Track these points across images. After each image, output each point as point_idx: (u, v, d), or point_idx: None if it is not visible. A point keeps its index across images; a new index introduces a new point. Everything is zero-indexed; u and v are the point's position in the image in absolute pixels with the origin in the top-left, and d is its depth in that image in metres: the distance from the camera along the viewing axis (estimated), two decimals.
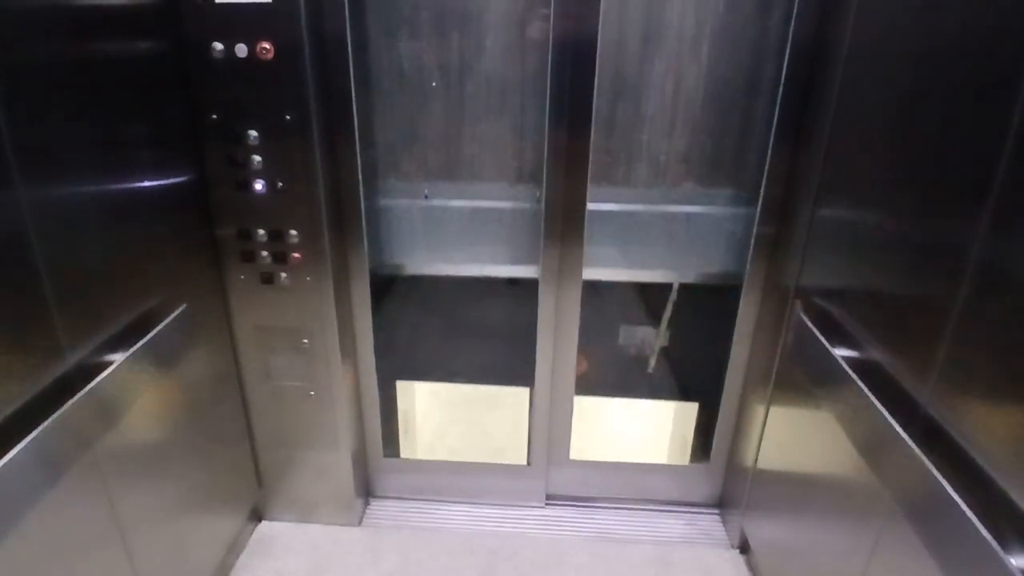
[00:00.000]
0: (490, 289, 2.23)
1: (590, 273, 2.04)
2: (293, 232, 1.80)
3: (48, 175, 1.19)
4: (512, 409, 2.31)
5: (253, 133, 1.68)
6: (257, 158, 1.71)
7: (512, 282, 2.18)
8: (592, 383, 2.33)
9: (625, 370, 2.40)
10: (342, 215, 1.93)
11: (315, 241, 1.81)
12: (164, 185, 1.59)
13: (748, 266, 1.98)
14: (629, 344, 2.37)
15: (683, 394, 2.39)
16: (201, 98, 1.65)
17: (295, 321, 1.93)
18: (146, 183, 1.51)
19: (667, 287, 2.20)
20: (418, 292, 2.31)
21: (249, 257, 1.84)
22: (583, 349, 2.16)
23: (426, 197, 2.00)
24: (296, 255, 1.83)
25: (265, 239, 1.81)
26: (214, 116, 1.67)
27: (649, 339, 2.33)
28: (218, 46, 1.59)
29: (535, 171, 1.95)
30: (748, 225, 1.97)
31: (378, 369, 2.19)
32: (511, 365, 2.25)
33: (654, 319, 2.30)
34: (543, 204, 1.92)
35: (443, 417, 2.44)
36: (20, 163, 1.10)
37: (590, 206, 1.92)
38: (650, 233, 2.03)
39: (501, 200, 2.01)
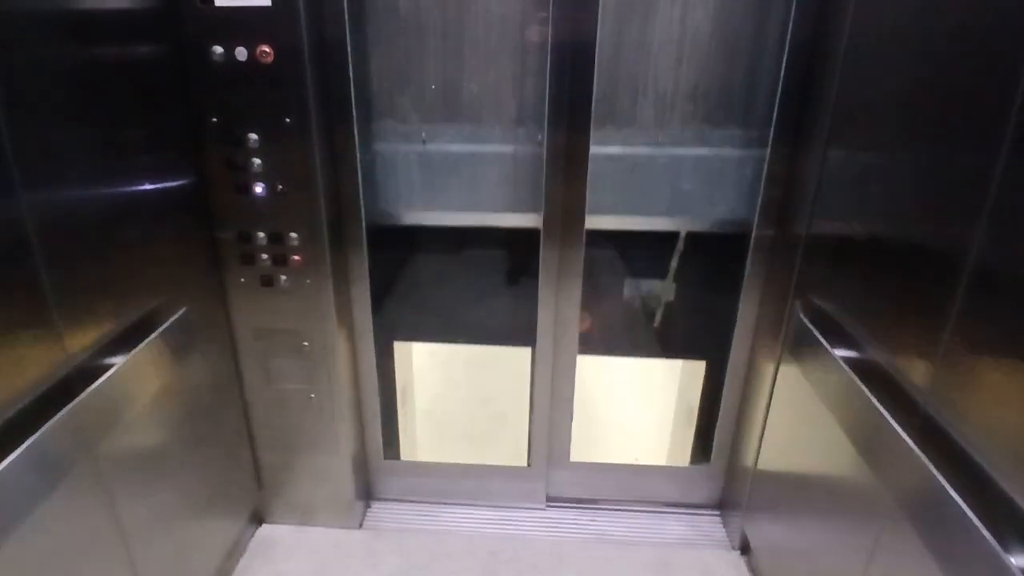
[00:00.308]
0: (491, 243, 2.15)
1: (594, 222, 1.97)
2: (293, 235, 1.80)
3: (49, 178, 1.19)
4: (514, 366, 2.29)
5: (253, 136, 1.69)
6: (257, 161, 1.71)
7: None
8: (596, 341, 2.25)
9: (630, 326, 2.29)
10: (342, 217, 1.93)
11: (315, 244, 1.82)
12: (164, 188, 1.59)
13: (758, 210, 1.91)
14: (634, 298, 2.25)
15: (690, 351, 2.31)
16: (201, 101, 1.66)
17: (295, 323, 1.93)
18: (147, 186, 1.52)
19: (673, 237, 2.09)
20: (416, 246, 2.18)
21: (249, 260, 1.84)
22: (586, 305, 2.11)
23: (423, 142, 1.93)
24: (296, 258, 1.83)
25: (265, 242, 1.82)
26: (214, 119, 1.67)
27: (655, 292, 2.21)
28: (218, 49, 1.59)
29: (536, 114, 1.89)
30: (758, 167, 1.89)
31: (375, 329, 2.15)
32: (512, 325, 2.19)
33: (660, 272, 2.18)
34: (544, 147, 1.86)
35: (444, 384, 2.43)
36: (21, 166, 1.10)
37: (593, 149, 1.85)
38: (656, 178, 1.96)
39: (502, 144, 1.94)
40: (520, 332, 2.17)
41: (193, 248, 1.75)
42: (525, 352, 2.20)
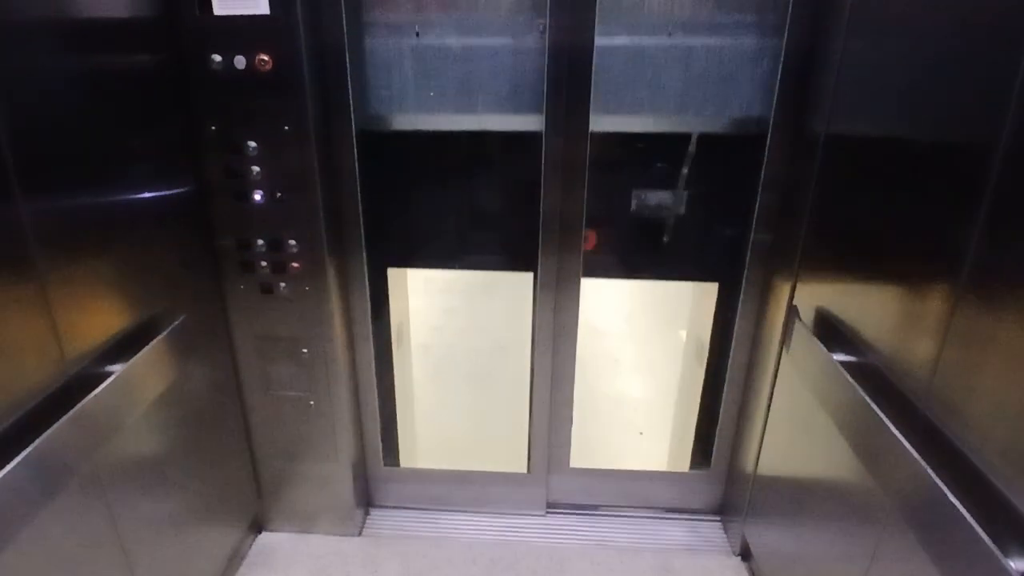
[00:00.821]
0: (491, 154, 1.97)
1: (600, 124, 1.84)
2: (292, 242, 1.81)
3: (48, 186, 1.20)
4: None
5: (252, 144, 1.69)
6: (256, 168, 1.72)
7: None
8: (602, 261, 2.09)
9: (638, 244, 2.09)
10: (341, 224, 1.94)
11: (314, 250, 1.82)
12: (163, 196, 1.60)
13: (774, 107, 1.79)
14: (643, 210, 2.04)
15: (702, 272, 2.13)
16: (200, 109, 1.66)
17: (294, 330, 1.93)
18: (146, 194, 1.52)
19: (685, 141, 1.91)
20: (409, 157, 1.98)
21: (248, 267, 1.85)
22: (592, 222, 1.98)
23: (417, 35, 1.80)
24: (295, 264, 1.83)
25: (264, 249, 1.82)
26: (213, 127, 1.68)
27: (665, 204, 2.02)
28: (216, 58, 1.60)
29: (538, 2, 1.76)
30: (775, 58, 1.76)
31: (367, 253, 2.04)
32: (512, 249, 2.06)
33: (671, 182, 1.99)
34: (546, 38, 1.75)
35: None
36: (20, 175, 1.11)
37: (599, 40, 1.74)
38: (666, 72, 1.81)
39: (500, 36, 1.80)
40: (521, 256, 2.04)
41: (192, 255, 1.75)
42: (525, 353, 2.20)
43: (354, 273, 2.02)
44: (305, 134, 1.69)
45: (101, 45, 1.35)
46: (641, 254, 2.10)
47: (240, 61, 1.61)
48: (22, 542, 1.13)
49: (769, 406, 1.92)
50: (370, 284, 2.06)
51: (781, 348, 1.82)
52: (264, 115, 1.67)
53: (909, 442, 1.15)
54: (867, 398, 1.29)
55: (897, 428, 1.19)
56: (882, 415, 1.23)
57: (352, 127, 1.83)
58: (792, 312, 1.73)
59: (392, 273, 2.15)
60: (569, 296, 2.07)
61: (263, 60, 1.60)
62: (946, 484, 1.04)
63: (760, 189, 1.89)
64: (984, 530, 0.94)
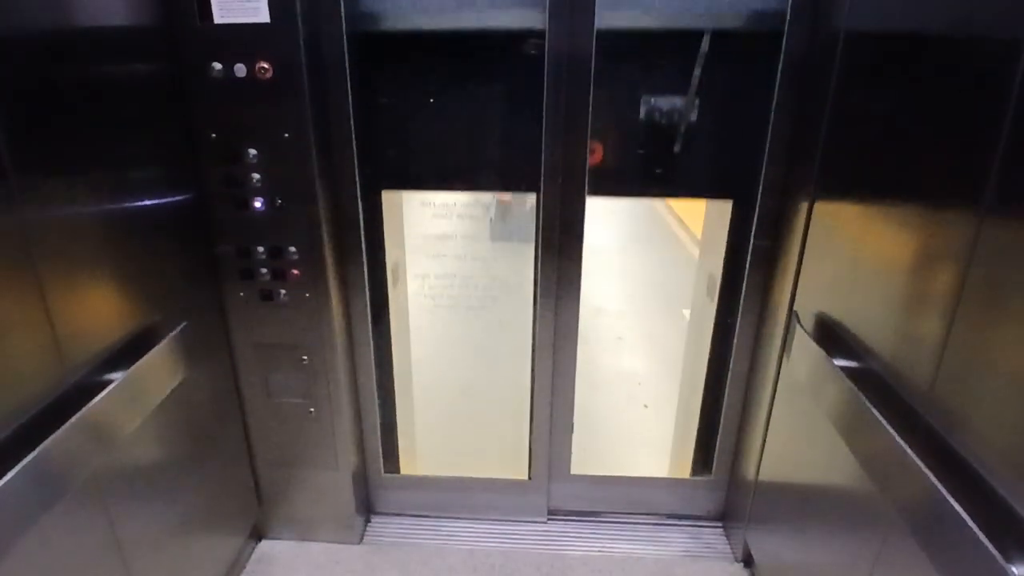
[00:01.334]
0: (490, 59, 1.85)
1: (605, 19, 1.72)
2: (292, 249, 1.81)
3: (49, 194, 1.20)
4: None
5: (252, 151, 1.70)
6: (256, 176, 1.72)
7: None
8: (609, 176, 1.95)
9: (648, 156, 1.95)
10: (341, 231, 1.94)
11: (314, 258, 1.82)
12: (164, 204, 1.60)
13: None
14: (653, 119, 1.91)
15: (715, 187, 2.00)
16: (201, 117, 1.67)
17: (295, 338, 1.93)
18: (146, 202, 1.52)
19: (697, 40, 1.78)
20: (403, 64, 1.87)
21: (248, 274, 1.85)
22: (597, 133, 1.85)
23: None
24: (295, 272, 1.83)
25: (264, 256, 1.82)
26: (213, 135, 1.68)
27: (676, 110, 1.89)
28: (217, 66, 1.61)
29: None
30: None
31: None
32: (515, 166, 1.94)
33: (682, 86, 1.85)
34: None
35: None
36: (21, 182, 1.11)
37: None
38: None
39: None
40: (524, 174, 1.93)
41: (192, 263, 1.76)
42: (524, 353, 2.19)
43: (354, 280, 2.02)
44: (306, 141, 1.69)
45: (101, 53, 1.36)
46: (651, 167, 1.97)
47: (240, 69, 1.61)
48: (22, 549, 1.13)
49: (770, 412, 1.92)
50: (370, 290, 2.06)
51: (781, 354, 1.82)
52: (264, 123, 1.68)
53: (911, 447, 1.15)
54: (868, 404, 1.29)
55: (899, 434, 1.19)
56: (884, 421, 1.23)
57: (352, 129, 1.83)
58: (792, 317, 1.73)
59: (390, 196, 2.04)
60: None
61: (263, 68, 1.61)
62: (948, 490, 1.03)
63: (776, 98, 1.77)
64: (987, 535, 0.94)
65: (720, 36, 1.77)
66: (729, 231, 2.02)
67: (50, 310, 1.19)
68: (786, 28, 1.70)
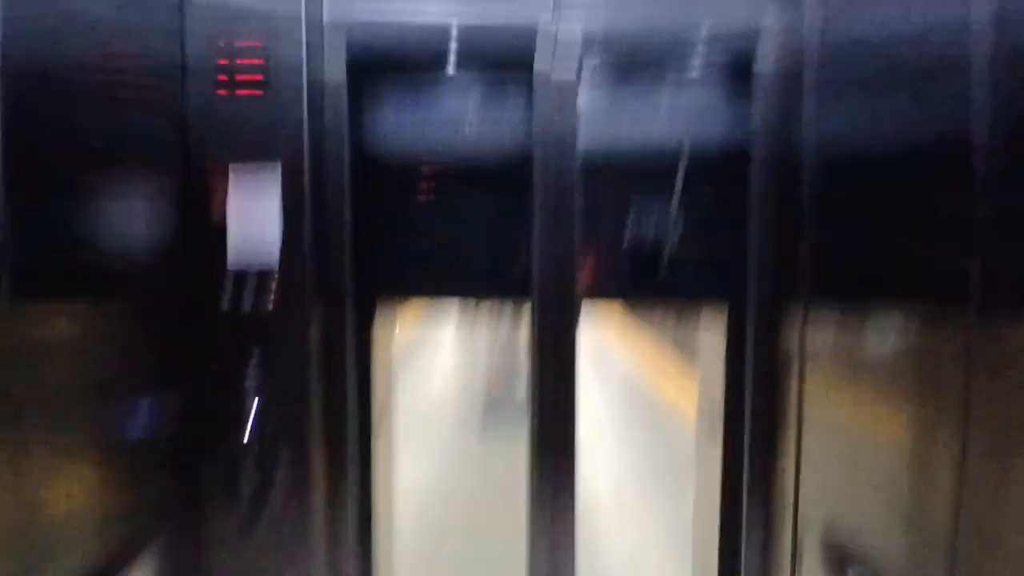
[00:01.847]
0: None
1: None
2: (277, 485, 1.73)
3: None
4: None
5: (248, 387, 1.72)
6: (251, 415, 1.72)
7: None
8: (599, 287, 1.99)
9: (636, 271, 2.00)
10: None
11: (301, 496, 1.74)
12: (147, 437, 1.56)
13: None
14: (639, 237, 1.99)
15: (708, 292, 2.01)
16: (197, 358, 1.71)
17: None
18: (128, 432, 1.49)
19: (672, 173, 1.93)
20: None
21: (232, 503, 1.71)
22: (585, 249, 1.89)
23: None
24: (282, 507, 1.72)
25: (251, 488, 1.71)
26: (212, 367, 1.72)
27: (661, 226, 1.97)
28: (223, 306, 1.70)
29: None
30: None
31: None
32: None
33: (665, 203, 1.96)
34: None
35: None
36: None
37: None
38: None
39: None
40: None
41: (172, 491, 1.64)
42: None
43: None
44: (305, 392, 1.75)
45: (115, 298, 1.43)
46: (639, 279, 2.03)
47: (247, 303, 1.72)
48: None
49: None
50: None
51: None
52: (263, 363, 1.72)
53: None
54: None
55: None
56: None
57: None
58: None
59: None
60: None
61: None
62: None
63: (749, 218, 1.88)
64: None
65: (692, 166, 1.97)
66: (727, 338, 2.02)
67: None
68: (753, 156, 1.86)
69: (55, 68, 1.21)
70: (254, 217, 1.71)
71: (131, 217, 1.49)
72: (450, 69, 1.96)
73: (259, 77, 1.66)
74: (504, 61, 1.89)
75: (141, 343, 1.54)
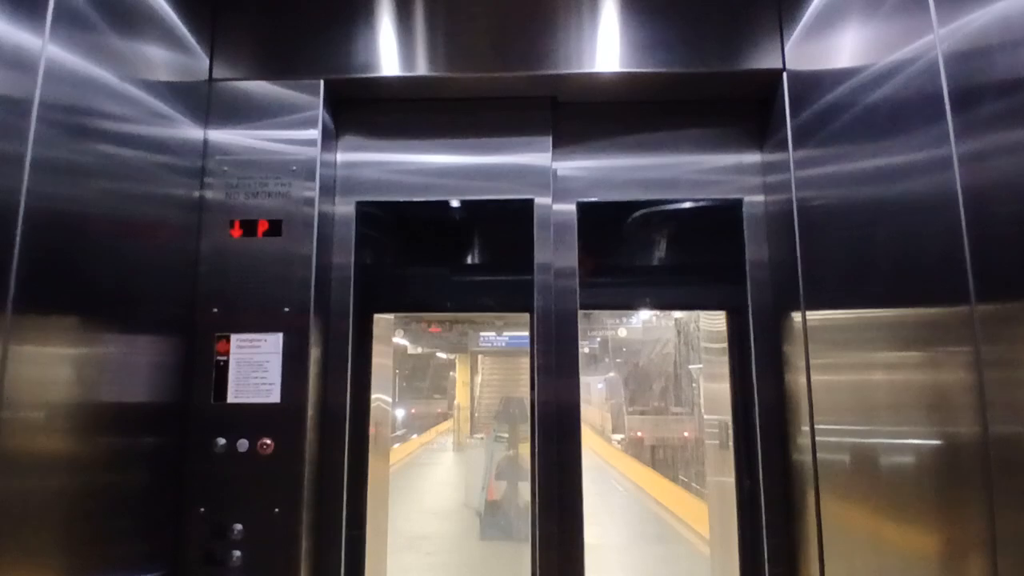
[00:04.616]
0: None
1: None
2: None
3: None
4: None
5: (238, 527, 1.59)
6: (237, 553, 1.56)
7: None
8: None
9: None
10: None
11: None
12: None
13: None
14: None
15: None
16: (193, 491, 1.61)
17: None
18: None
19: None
20: None
21: None
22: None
23: None
24: None
25: None
26: (202, 509, 1.59)
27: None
28: (221, 441, 1.66)
29: None
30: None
31: None
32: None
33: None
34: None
35: None
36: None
37: None
38: None
39: None
40: None
41: None
42: None
43: None
44: (296, 517, 1.63)
45: (113, 426, 1.42)
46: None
47: (243, 444, 1.67)
48: None
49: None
50: None
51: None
52: (257, 497, 1.63)
53: None
54: None
55: None
56: None
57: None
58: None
59: None
60: None
61: (265, 444, 1.68)
62: None
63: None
64: None
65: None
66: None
67: None
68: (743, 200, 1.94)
69: (78, 213, 1.30)
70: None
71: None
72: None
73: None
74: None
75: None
